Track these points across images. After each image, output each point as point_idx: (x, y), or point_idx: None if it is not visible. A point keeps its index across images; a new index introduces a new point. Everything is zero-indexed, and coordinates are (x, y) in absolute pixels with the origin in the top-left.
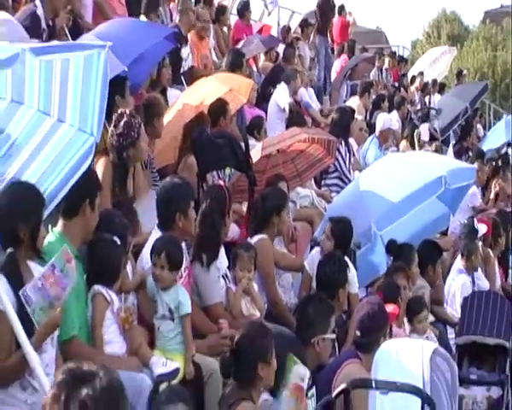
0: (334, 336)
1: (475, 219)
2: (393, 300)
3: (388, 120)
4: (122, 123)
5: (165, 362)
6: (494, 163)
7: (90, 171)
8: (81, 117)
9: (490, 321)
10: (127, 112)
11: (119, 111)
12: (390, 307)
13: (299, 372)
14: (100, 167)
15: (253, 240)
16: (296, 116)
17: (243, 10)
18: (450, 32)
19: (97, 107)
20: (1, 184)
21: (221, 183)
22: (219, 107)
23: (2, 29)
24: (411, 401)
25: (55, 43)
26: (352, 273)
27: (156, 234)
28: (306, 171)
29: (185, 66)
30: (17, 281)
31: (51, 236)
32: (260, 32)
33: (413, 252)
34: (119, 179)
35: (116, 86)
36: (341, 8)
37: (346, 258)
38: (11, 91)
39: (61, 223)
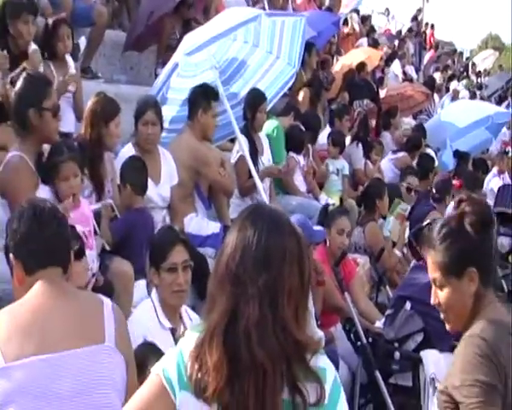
0: None
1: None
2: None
3: None
4: None
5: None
6: None
7: None
8: (289, 55)
9: (510, 200)
10: None
11: None
12: (455, 181)
13: (402, 207)
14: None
15: None
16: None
17: None
18: None
19: (298, 49)
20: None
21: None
22: (361, 65)
23: None
24: None
25: (277, 11)
26: None
27: None
28: (414, 107)
29: None
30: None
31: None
32: None
33: (469, 158)
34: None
35: (308, 47)
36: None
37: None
38: (252, 38)
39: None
